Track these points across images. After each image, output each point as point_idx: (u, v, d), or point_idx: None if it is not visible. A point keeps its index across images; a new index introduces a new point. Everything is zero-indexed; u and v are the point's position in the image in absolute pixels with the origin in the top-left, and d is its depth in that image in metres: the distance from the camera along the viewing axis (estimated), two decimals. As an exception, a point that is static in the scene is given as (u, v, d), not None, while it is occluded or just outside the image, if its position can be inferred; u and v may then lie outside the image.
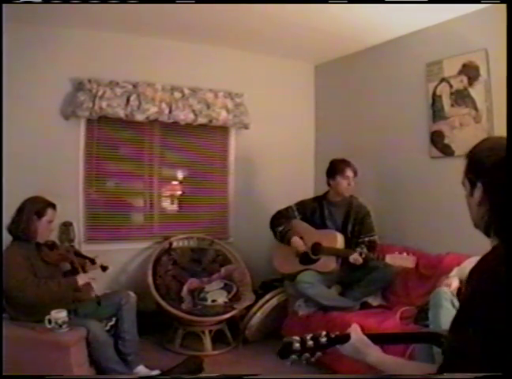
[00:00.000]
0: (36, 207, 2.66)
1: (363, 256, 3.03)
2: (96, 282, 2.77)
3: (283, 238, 3.39)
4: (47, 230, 2.72)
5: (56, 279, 2.65)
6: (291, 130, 4.37)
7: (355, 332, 1.28)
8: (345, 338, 1.26)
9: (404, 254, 2.82)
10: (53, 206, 2.72)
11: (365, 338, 1.27)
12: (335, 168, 3.34)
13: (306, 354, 1.22)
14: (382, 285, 3.24)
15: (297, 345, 1.22)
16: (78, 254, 2.95)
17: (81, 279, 2.70)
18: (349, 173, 3.29)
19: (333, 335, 1.25)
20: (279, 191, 4.04)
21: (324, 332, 1.26)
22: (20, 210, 2.64)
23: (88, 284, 2.72)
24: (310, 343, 1.23)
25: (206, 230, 4.05)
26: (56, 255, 2.79)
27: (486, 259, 0.98)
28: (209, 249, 3.89)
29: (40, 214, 2.65)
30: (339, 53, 4.15)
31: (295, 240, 3.32)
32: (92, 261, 2.88)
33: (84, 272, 2.81)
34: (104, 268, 2.89)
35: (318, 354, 1.23)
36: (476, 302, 0.94)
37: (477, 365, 0.89)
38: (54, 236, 3.07)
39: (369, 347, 1.25)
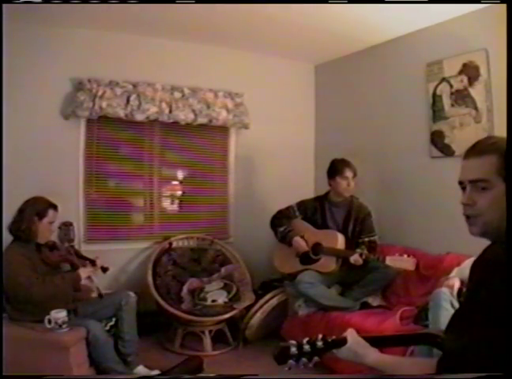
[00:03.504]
0: (37, 208, 2.65)
1: (364, 257, 3.03)
2: (97, 276, 2.81)
3: (284, 238, 3.39)
4: (47, 231, 2.72)
5: (59, 274, 2.67)
6: (291, 130, 4.36)
7: (351, 335, 1.28)
8: (342, 342, 1.25)
9: (405, 256, 2.81)
10: (54, 207, 2.72)
11: (362, 340, 1.26)
12: (334, 169, 3.34)
13: (304, 359, 1.21)
14: (381, 285, 3.24)
15: (294, 349, 1.21)
16: (79, 255, 2.95)
17: (83, 272, 2.73)
18: (348, 173, 3.29)
19: (329, 340, 1.25)
20: (279, 191, 4.04)
21: (320, 336, 1.25)
22: (22, 210, 2.64)
23: (89, 278, 2.76)
24: (307, 347, 1.22)
25: (206, 230, 4.05)
26: (56, 256, 2.79)
27: (489, 250, 0.98)
28: (209, 249, 3.89)
29: (41, 215, 2.65)
30: (339, 53, 4.15)
31: (297, 240, 3.31)
32: (93, 262, 2.88)
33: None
34: (105, 270, 2.89)
35: (316, 358, 1.23)
36: (481, 294, 0.93)
37: (481, 360, 0.89)
38: (54, 236, 3.06)
39: (366, 348, 1.24)
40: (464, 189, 1.09)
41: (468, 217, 1.08)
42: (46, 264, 2.69)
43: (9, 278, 2.47)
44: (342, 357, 1.26)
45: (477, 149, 1.07)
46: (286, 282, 3.50)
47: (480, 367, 0.88)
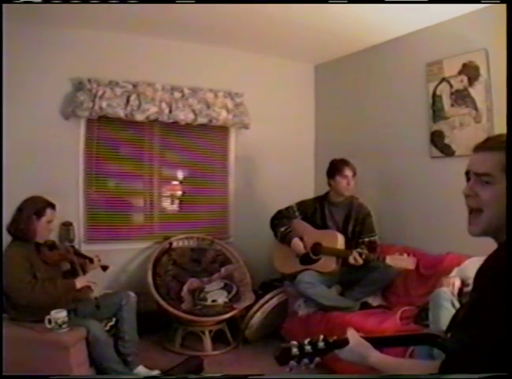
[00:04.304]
0: (36, 207, 2.66)
1: (363, 256, 3.03)
2: (95, 285, 2.75)
3: (283, 238, 3.39)
4: (46, 230, 2.72)
5: (53, 281, 2.63)
6: (291, 130, 4.36)
7: (352, 335, 1.27)
8: (344, 342, 1.25)
9: (405, 255, 2.81)
10: (52, 206, 2.72)
11: (364, 341, 1.25)
12: (334, 168, 3.35)
13: (305, 360, 1.21)
14: (382, 285, 3.24)
15: (295, 350, 1.20)
16: (78, 254, 2.95)
17: (80, 282, 2.69)
18: (348, 172, 3.30)
19: (331, 340, 1.24)
20: (279, 191, 4.04)
21: (321, 336, 1.24)
22: (20, 210, 2.64)
23: (89, 288, 2.72)
24: (308, 347, 1.21)
25: (206, 230, 4.05)
26: (56, 255, 2.79)
27: (494, 257, 0.97)
28: (209, 249, 3.89)
29: (40, 214, 2.65)
30: (339, 53, 4.15)
31: (296, 242, 3.32)
32: (91, 260, 2.87)
33: (84, 271, 2.81)
34: (104, 268, 2.89)
35: (317, 359, 1.22)
36: (485, 300, 0.93)
37: (485, 364, 0.89)
38: (54, 236, 3.07)
39: (369, 348, 1.24)
40: (468, 179, 1.10)
41: (471, 211, 1.07)
42: (45, 263, 2.69)
43: (6, 280, 2.48)
44: (344, 358, 1.25)
45: (487, 145, 1.08)
46: (286, 282, 3.50)
47: (485, 367, 0.88)
